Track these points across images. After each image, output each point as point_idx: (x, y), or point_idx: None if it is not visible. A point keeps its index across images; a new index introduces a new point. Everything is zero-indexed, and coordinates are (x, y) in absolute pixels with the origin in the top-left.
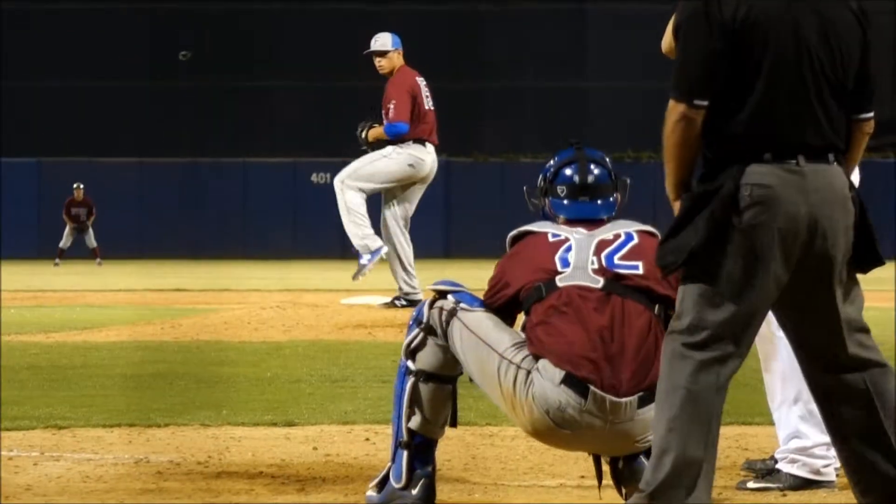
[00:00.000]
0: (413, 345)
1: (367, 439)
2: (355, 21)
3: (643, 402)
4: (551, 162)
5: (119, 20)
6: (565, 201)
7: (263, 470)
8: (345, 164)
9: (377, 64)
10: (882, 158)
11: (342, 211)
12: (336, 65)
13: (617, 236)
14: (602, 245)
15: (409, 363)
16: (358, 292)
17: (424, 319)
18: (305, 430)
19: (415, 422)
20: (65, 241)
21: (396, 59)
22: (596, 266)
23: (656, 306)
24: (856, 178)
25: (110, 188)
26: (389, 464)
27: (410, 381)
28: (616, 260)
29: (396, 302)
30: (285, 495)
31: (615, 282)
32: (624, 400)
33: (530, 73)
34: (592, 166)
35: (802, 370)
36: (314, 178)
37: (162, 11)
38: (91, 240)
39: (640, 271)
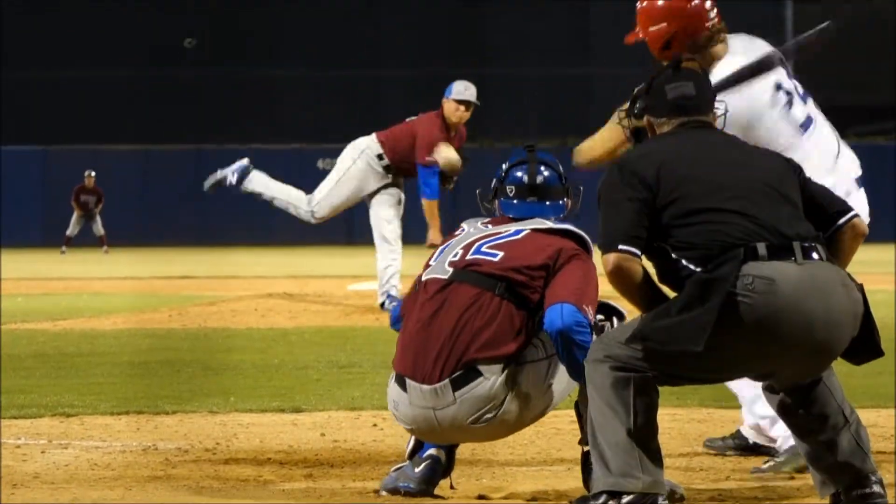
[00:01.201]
0: None
1: (375, 425)
2: (360, 7)
3: (458, 384)
4: (503, 165)
5: (125, 8)
6: (514, 201)
7: (271, 456)
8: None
9: (465, 115)
10: (884, 142)
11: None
12: (341, 51)
13: (507, 230)
14: (483, 238)
15: None
16: (365, 278)
17: None
18: (313, 417)
19: None
20: (72, 229)
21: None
22: (456, 258)
23: (498, 284)
24: (856, 166)
25: (116, 176)
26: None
27: None
28: (483, 248)
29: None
30: (293, 481)
31: (463, 270)
32: (437, 386)
33: (534, 59)
34: (542, 168)
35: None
36: (320, 164)
37: None
38: (99, 227)
39: (496, 259)
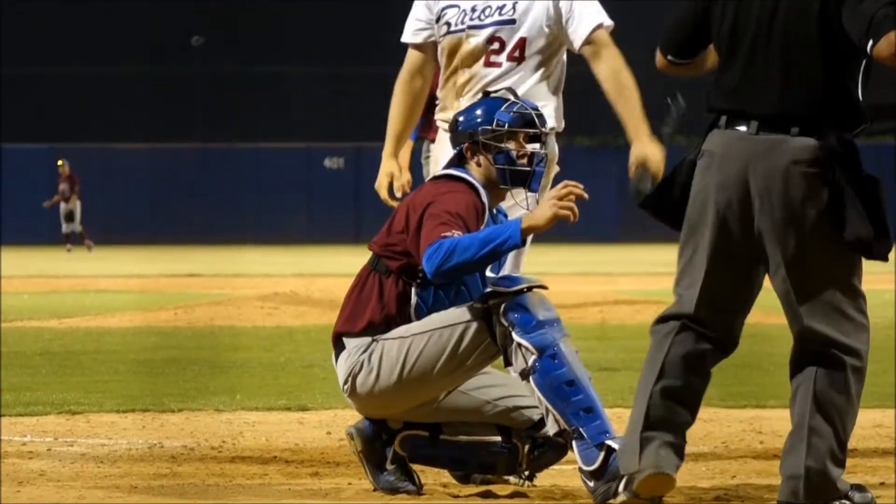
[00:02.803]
0: None
1: None
2: (368, 5)
3: (336, 357)
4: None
5: (132, 5)
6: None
7: (277, 455)
8: (359, 149)
9: None
10: (885, 141)
11: None
12: (348, 49)
13: None
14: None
15: None
16: None
17: None
18: (319, 415)
19: None
20: (65, 227)
21: None
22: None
23: (373, 259)
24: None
25: (123, 173)
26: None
27: None
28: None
29: None
30: (299, 479)
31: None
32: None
33: None
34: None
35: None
36: (327, 162)
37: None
38: (76, 224)
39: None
